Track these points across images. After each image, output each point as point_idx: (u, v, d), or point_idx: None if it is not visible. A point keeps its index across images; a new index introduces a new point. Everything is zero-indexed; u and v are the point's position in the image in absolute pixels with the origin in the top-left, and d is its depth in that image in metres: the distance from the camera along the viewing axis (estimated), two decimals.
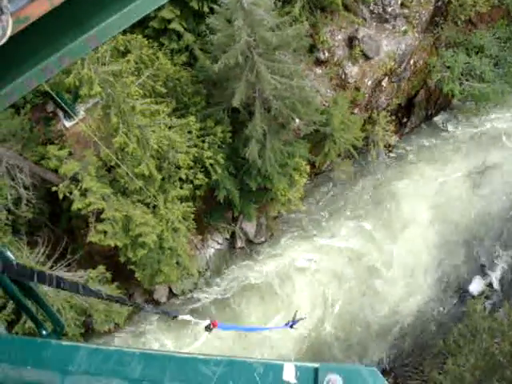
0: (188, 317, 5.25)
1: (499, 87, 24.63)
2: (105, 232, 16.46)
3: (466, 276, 24.30)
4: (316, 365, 1.49)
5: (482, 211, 25.07)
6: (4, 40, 1.96)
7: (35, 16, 1.99)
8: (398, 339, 23.23)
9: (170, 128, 16.49)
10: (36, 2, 2.00)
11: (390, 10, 23.05)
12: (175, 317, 5.06)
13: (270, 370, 1.50)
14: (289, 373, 1.49)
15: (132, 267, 18.33)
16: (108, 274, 18.40)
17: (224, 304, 22.65)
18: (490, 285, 24.30)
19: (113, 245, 16.70)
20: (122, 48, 16.99)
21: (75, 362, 1.54)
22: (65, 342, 1.60)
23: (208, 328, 5.70)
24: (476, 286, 24.15)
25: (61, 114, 19.56)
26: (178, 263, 19.31)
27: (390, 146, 25.37)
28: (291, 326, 10.61)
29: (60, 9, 2.03)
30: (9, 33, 2.00)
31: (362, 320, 23.03)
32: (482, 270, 24.47)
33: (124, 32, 17.44)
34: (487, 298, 23.52)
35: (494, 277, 24.45)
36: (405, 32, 23.47)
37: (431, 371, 20.12)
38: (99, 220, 16.45)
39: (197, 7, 18.56)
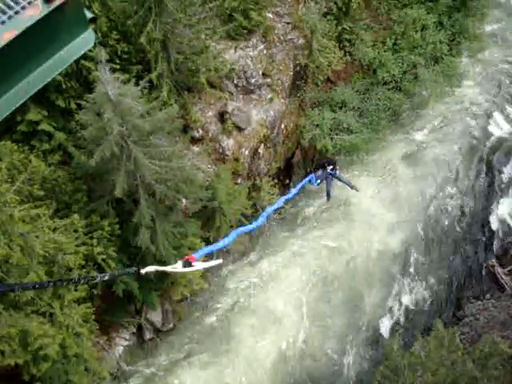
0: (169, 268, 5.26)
1: (366, 136, 26.23)
2: (2, 352, 15.38)
3: (375, 318, 24.96)
4: None
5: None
6: None
7: None
8: None
9: (54, 230, 15.91)
10: None
11: (253, 81, 24.09)
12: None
13: None
14: None
15: None
16: None
17: None
18: (398, 321, 25.10)
19: (13, 364, 15.58)
20: None
21: None
22: None
23: (187, 264, 5.51)
24: (386, 325, 24.84)
25: None
26: (86, 369, 18.29)
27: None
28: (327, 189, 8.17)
29: None
30: None
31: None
32: (389, 309, 25.26)
33: None
34: (400, 334, 24.14)
35: (401, 312, 25.30)
36: (271, 99, 24.54)
37: None
38: None
39: (64, 105, 18.39)
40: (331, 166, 8.76)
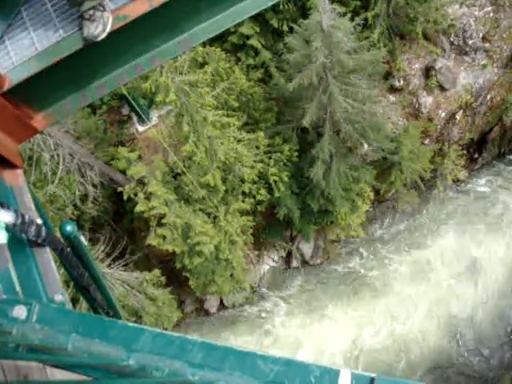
0: None
1: None
2: (164, 237, 16.76)
3: None
4: (372, 375, 1.50)
5: None
6: (103, 35, 2.08)
7: (134, 15, 2.09)
8: (449, 364, 22.29)
9: (238, 141, 16.71)
10: (136, 2, 2.11)
11: (470, 42, 22.68)
12: None
13: (326, 374, 1.51)
14: (345, 379, 1.50)
15: (186, 274, 18.57)
16: (163, 278, 18.71)
17: (273, 323, 22.55)
18: None
19: (170, 250, 16.98)
20: (200, 59, 17.40)
21: (139, 342, 1.61)
22: (130, 324, 1.67)
23: None
24: None
25: (135, 118, 20.13)
26: (231, 275, 19.43)
27: (458, 180, 24.79)
28: None
29: (158, 10, 2.13)
30: (108, 29, 2.12)
31: (418, 342, 22.35)
32: None
33: (204, 44, 17.88)
34: None
35: None
36: (484, 66, 23.02)
37: None
38: (160, 224, 16.77)
39: (276, 25, 18.83)
40: None
